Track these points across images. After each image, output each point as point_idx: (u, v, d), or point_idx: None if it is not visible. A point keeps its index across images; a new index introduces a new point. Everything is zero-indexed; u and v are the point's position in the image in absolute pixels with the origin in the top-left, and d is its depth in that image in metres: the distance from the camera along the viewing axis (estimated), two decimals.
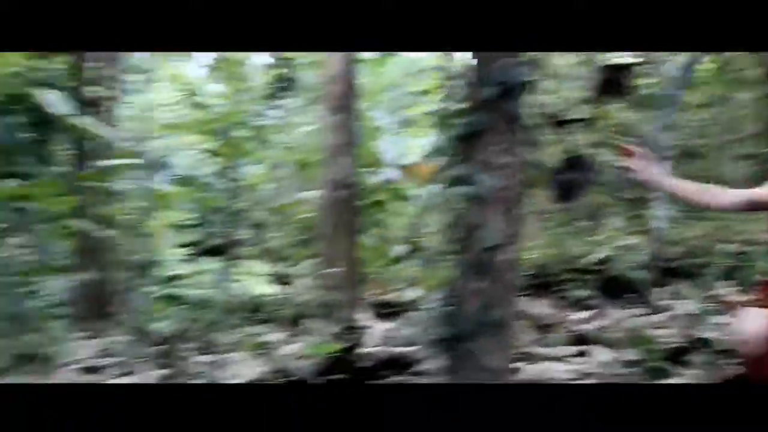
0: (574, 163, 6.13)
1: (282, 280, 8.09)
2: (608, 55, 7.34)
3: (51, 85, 3.35)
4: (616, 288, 6.71)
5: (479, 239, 3.74)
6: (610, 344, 5.26)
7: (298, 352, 4.90)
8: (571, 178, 6.12)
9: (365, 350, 4.78)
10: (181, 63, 10.48)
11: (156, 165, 7.46)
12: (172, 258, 8.86)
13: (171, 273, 8.42)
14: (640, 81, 7.99)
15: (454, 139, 3.79)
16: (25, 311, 5.01)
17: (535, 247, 7.54)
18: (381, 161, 7.98)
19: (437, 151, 4.02)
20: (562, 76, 8.21)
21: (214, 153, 8.11)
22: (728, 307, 4.33)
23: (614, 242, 7.48)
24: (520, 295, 4.94)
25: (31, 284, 3.69)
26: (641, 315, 6.07)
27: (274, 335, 5.73)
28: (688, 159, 8.78)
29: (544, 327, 5.97)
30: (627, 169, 2.79)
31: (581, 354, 5.18)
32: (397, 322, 5.95)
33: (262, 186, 9.06)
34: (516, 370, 4.46)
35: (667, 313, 5.95)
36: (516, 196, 3.83)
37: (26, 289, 3.58)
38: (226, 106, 8.14)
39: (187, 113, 8.88)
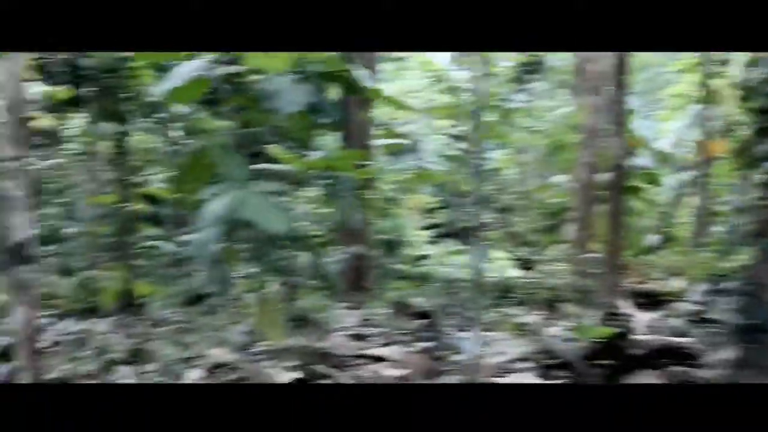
0: None
1: (527, 264, 8.04)
2: None
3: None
4: None
5: None
6: None
7: (563, 334, 4.80)
8: None
9: (636, 337, 4.56)
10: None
11: (411, 148, 7.74)
12: (418, 238, 9.18)
13: (419, 252, 8.74)
14: None
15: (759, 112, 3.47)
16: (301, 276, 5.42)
17: None
18: (642, 143, 7.59)
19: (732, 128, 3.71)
20: None
21: (462, 137, 8.24)
22: None
23: None
24: None
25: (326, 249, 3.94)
26: None
27: (530, 317, 5.69)
28: None
29: None
30: None
31: None
32: (660, 312, 5.64)
33: (508, 170, 9.06)
34: None
35: None
36: None
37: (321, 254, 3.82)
38: (474, 91, 8.21)
39: (436, 98, 9.09)
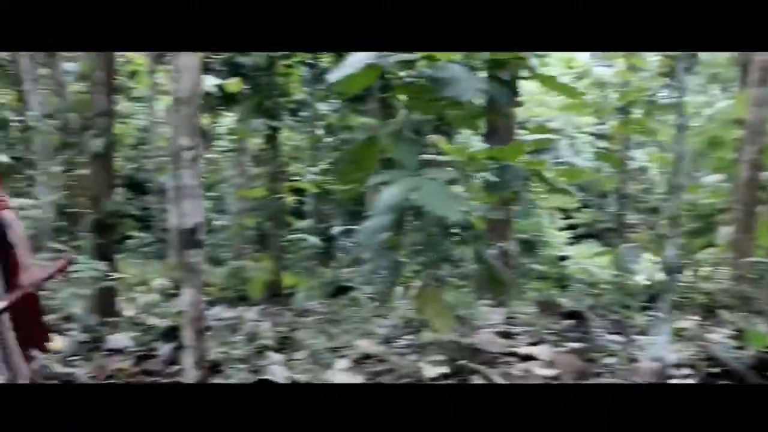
0: None
1: (674, 267, 7.64)
2: None
3: None
4: None
5: None
6: None
7: (726, 341, 4.52)
8: None
9: None
10: None
11: (555, 145, 7.55)
12: (558, 238, 8.97)
13: (560, 253, 8.54)
14: None
15: None
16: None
17: None
18: None
19: None
20: None
21: (607, 135, 7.95)
22: None
23: None
24: None
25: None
26: None
27: (685, 322, 5.39)
28: None
29: None
30: None
31: None
32: None
33: (656, 169, 8.67)
34: None
35: None
36: None
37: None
38: (621, 87, 7.91)
39: (580, 95, 8.83)
